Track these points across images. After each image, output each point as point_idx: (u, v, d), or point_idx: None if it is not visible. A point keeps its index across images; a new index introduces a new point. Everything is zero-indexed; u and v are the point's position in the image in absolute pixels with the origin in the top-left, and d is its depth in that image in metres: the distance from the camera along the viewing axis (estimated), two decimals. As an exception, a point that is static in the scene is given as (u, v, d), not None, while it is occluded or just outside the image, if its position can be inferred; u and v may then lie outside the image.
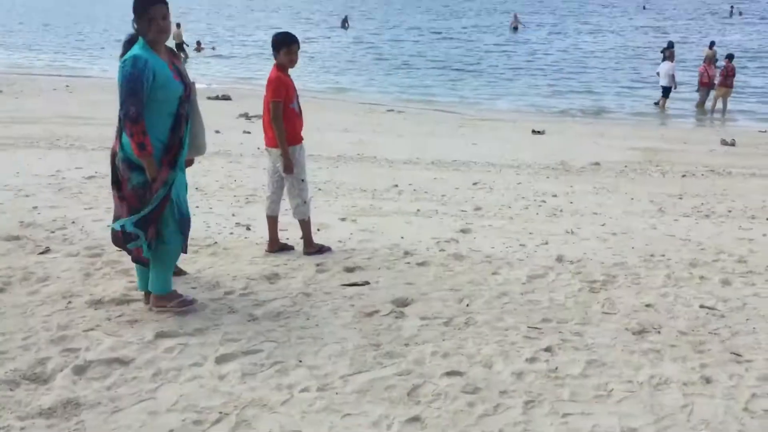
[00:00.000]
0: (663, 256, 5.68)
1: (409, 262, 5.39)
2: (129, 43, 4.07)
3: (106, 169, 8.92)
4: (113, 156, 4.21)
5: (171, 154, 4.08)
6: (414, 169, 9.93)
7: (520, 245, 5.98)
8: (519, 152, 11.32)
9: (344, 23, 44.84)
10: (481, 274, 5.13)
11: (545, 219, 7.05)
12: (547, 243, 6.05)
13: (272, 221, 5.61)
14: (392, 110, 16.83)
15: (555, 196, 8.21)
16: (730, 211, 7.49)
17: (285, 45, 5.26)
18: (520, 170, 9.93)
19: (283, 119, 5.21)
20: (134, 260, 4.28)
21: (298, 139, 5.37)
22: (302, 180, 5.43)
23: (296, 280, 4.95)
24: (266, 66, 25.80)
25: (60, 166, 9.05)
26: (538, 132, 13.46)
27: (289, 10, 66.29)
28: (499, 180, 9.16)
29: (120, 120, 4.01)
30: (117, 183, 4.23)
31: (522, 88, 21.81)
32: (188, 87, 4.17)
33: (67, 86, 18.88)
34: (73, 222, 6.45)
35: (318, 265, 5.30)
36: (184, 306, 4.31)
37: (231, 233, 6.24)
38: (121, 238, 4.21)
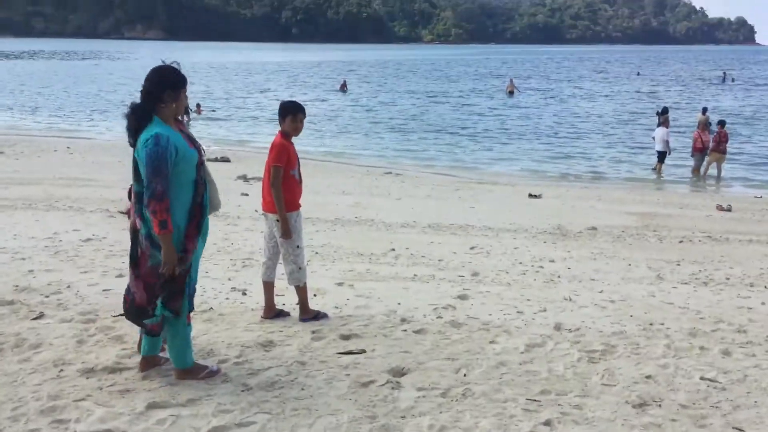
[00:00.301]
0: (662, 324, 5.63)
1: (405, 330, 5.34)
2: (135, 113, 4.10)
3: (104, 232, 9.09)
4: (133, 232, 4.22)
5: (195, 220, 4.14)
6: (411, 232, 9.94)
7: (518, 312, 5.93)
8: (516, 216, 11.36)
9: (343, 87, 45.63)
10: (479, 342, 5.08)
11: (543, 285, 7.02)
12: (545, 310, 6.01)
13: (268, 287, 5.58)
14: (390, 173, 16.95)
15: (552, 261, 8.20)
16: (728, 279, 7.47)
17: (291, 113, 5.35)
18: (518, 234, 9.94)
19: (282, 185, 5.24)
20: (148, 333, 4.27)
21: (296, 206, 5.40)
22: (298, 246, 5.43)
23: (291, 348, 4.89)
24: (263, 129, 26.20)
25: (57, 229, 9.05)
26: (535, 196, 13.54)
27: (285, 74, 67.51)
28: (497, 244, 9.16)
29: (137, 195, 4.07)
30: (135, 260, 4.22)
31: (518, 152, 22.03)
32: (200, 151, 4.25)
33: (68, 148, 19.03)
34: (68, 286, 6.41)
35: (314, 332, 5.25)
36: (211, 376, 4.33)
37: (227, 298, 6.20)
38: (134, 313, 4.19)
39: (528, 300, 6.36)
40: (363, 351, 4.84)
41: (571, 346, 5.01)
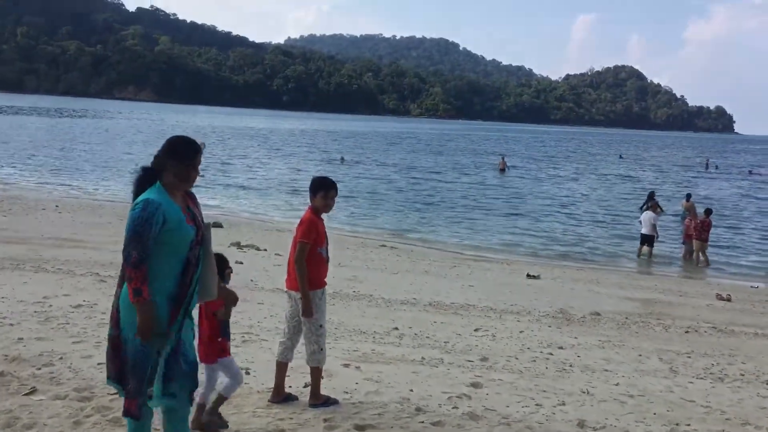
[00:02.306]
0: (689, 426, 5.39)
1: (422, 422, 5.05)
2: (141, 182, 3.94)
3: (94, 298, 8.75)
4: (114, 310, 3.93)
5: (179, 302, 3.86)
6: (412, 310, 9.69)
7: (537, 405, 5.66)
8: (516, 297, 11.17)
9: (342, 159, 45.78)
10: (501, 439, 4.79)
11: (556, 375, 6.77)
12: (563, 404, 5.75)
13: (282, 368, 5.30)
14: (384, 245, 16.77)
15: (561, 348, 7.97)
16: (743, 375, 7.26)
17: (323, 189, 5.20)
18: (521, 317, 9.72)
19: (308, 262, 5.04)
20: (125, 415, 3.91)
21: (321, 284, 5.19)
22: (321, 326, 5.19)
23: (304, 439, 4.58)
24: (253, 200, 26.03)
25: (47, 292, 8.71)
26: (534, 276, 13.37)
27: (266, 140, 68.05)
28: (501, 327, 8.92)
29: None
30: (114, 338, 3.91)
31: (508, 230, 22.00)
32: (200, 230, 4.00)
33: (57, 206, 18.73)
34: (61, 358, 6.08)
35: (326, 420, 4.94)
36: None
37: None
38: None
39: (544, 391, 6.10)
40: (381, 445, 4.54)
41: (599, 448, 4.73)
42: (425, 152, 63.15)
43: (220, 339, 4.68)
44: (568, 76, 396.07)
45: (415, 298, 10.49)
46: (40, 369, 5.70)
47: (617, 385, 6.51)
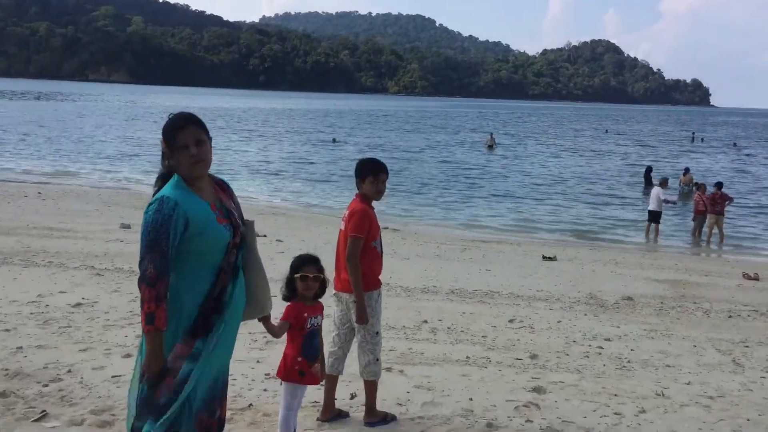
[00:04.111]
0: (793, 433, 4.78)
1: (500, 441, 4.39)
2: (163, 180, 3.17)
3: (94, 295, 7.97)
4: None
5: (201, 320, 3.09)
6: (434, 299, 9.03)
7: (616, 414, 5.03)
8: (539, 281, 10.55)
9: (334, 140, 44.74)
10: (599, 462, 4.15)
11: (618, 374, 6.14)
12: (644, 411, 5.12)
13: (332, 382, 4.60)
14: (386, 228, 16.05)
15: (609, 340, 7.35)
16: (813, 366, 6.69)
17: (371, 173, 4.46)
18: (551, 304, 9.10)
19: (361, 259, 4.32)
20: None
21: (376, 284, 4.49)
22: (377, 333, 4.50)
23: (373, 470, 3.89)
24: (235, 180, 25.12)
25: (41, 290, 7.93)
26: (550, 258, 12.76)
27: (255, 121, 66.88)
28: (536, 317, 8.29)
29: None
30: None
31: (508, 209, 21.41)
32: (238, 230, 3.21)
33: (40, 193, 17.77)
34: (69, 370, 5.34)
35: (390, 443, 4.26)
36: None
37: (264, 390, 5.18)
38: None
39: (615, 395, 5.46)
40: (465, 476, 3.87)
41: (715, 470, 4.11)
42: (407, 131, 62.34)
43: (300, 359, 3.94)
44: (545, 51, 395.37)
45: (435, 285, 9.84)
46: (47, 386, 4.96)
47: (689, 384, 5.90)
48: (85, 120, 55.19)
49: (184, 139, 3.07)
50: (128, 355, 5.76)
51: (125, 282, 8.60)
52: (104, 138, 39.86)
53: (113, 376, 5.25)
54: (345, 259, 4.40)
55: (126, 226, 12.85)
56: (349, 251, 4.36)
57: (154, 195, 3.09)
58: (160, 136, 3.15)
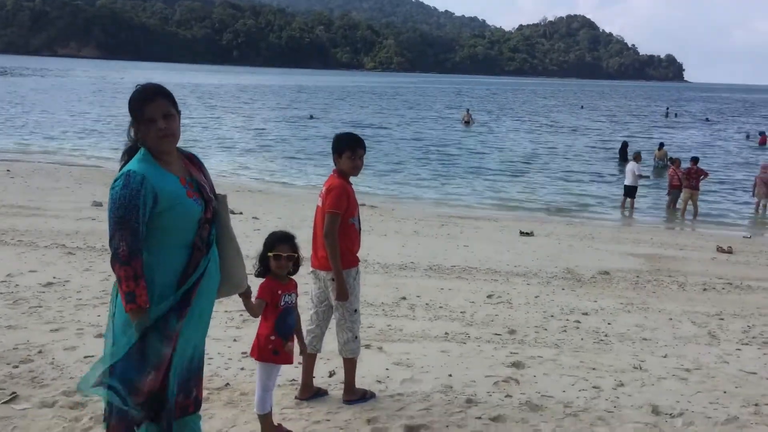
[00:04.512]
0: (768, 405, 4.82)
1: (479, 417, 4.36)
2: (129, 154, 3.05)
3: (65, 274, 7.81)
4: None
5: (184, 301, 2.99)
6: (413, 276, 9.00)
7: (594, 388, 5.03)
8: (517, 257, 10.56)
9: (311, 116, 44.30)
10: (579, 436, 4.14)
11: (596, 347, 6.16)
12: (622, 384, 5.13)
13: (311, 361, 4.54)
14: (363, 204, 15.94)
15: (586, 314, 7.37)
16: (787, 338, 6.76)
17: (349, 148, 4.36)
18: (529, 279, 9.11)
19: (339, 236, 4.24)
20: None
21: (354, 261, 4.42)
22: (355, 310, 4.44)
23: (353, 448, 3.85)
24: (209, 156, 24.79)
25: (10, 269, 7.76)
26: (527, 233, 12.78)
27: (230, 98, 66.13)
28: (514, 292, 8.29)
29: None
30: None
31: (484, 185, 21.41)
32: (210, 205, 3.11)
33: (8, 171, 17.37)
34: (40, 351, 5.22)
35: (370, 421, 4.22)
36: None
37: (241, 369, 5.11)
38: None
39: (593, 369, 5.47)
40: (446, 452, 3.84)
41: (694, 443, 4.12)
42: (383, 107, 62.02)
43: (273, 338, 3.86)
44: (521, 27, 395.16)
45: (413, 262, 9.80)
46: (17, 367, 4.84)
47: (666, 357, 5.93)
48: (53, 96, 54.09)
49: (152, 112, 2.95)
50: (101, 335, 5.63)
51: (97, 260, 8.44)
52: (74, 114, 39.12)
53: (85, 357, 5.14)
54: (322, 236, 4.31)
55: (97, 204, 12.62)
56: (326, 228, 4.27)
57: (120, 170, 2.97)
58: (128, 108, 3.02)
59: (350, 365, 4.50)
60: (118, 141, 26.85)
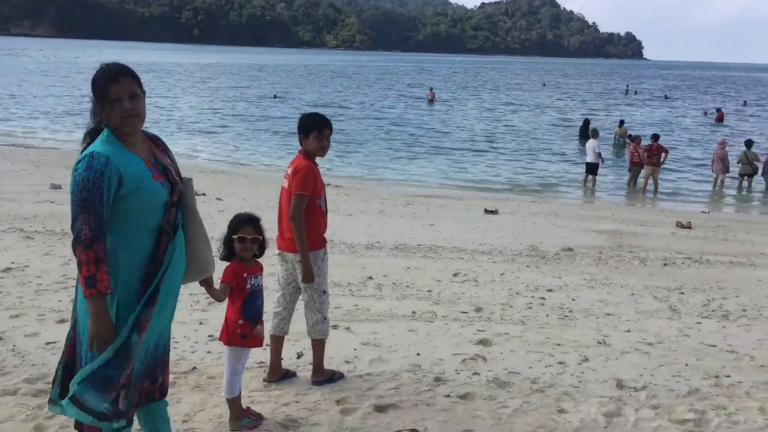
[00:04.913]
0: (728, 377, 4.95)
1: (448, 395, 4.39)
2: (91, 136, 2.96)
3: (24, 259, 7.63)
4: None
5: (150, 285, 2.93)
6: (379, 255, 9.00)
7: (559, 363, 5.11)
8: (482, 235, 10.63)
9: (275, 96, 43.75)
10: (545, 412, 4.19)
11: (560, 323, 6.24)
12: (587, 359, 5.22)
13: (278, 343, 4.52)
14: (329, 184, 15.84)
15: (550, 290, 7.46)
16: (744, 311, 6.94)
17: (316, 129, 4.31)
18: (494, 257, 9.18)
19: (306, 218, 4.21)
20: None
21: (321, 243, 4.38)
22: (324, 291, 4.42)
23: (323, 429, 3.85)
24: (170, 137, 24.40)
25: (-34, 255, 7.56)
26: (492, 211, 12.87)
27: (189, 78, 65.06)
28: (479, 270, 8.35)
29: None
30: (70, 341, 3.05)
31: (447, 164, 21.47)
32: (176, 188, 3.04)
33: (-38, 153, 16.92)
34: (0, 338, 5.09)
35: (339, 402, 4.22)
36: None
37: (208, 352, 5.07)
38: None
39: (559, 345, 5.55)
40: (415, 431, 3.86)
41: (656, 416, 4.20)
42: (346, 86, 61.66)
43: (241, 322, 3.81)
44: (483, 5, 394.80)
45: (379, 241, 9.80)
46: (-24, 356, 4.73)
47: (629, 331, 6.04)
48: (4, 75, 52.60)
49: (117, 92, 2.86)
50: (63, 320, 5.54)
51: (57, 244, 8.27)
52: (28, 95, 38.12)
53: (47, 343, 5.05)
54: (289, 217, 4.27)
55: (56, 187, 12.35)
56: (293, 209, 4.23)
57: (82, 152, 2.89)
58: (90, 88, 2.93)
59: (319, 346, 4.49)
60: (75, 123, 26.36)
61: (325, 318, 4.45)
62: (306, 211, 4.26)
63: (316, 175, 4.33)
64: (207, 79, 61.89)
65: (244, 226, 3.80)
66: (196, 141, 24.40)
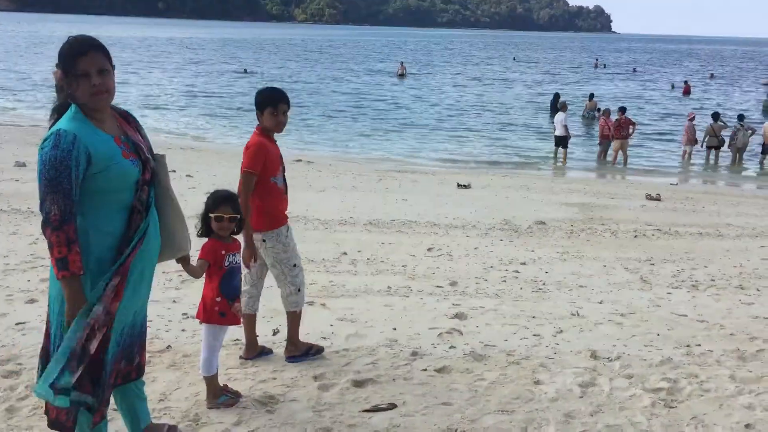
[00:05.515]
0: (699, 345, 5.04)
1: (425, 369, 4.41)
2: (59, 113, 2.87)
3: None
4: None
5: (124, 267, 2.85)
6: (353, 231, 8.98)
7: (535, 336, 5.15)
8: (455, 209, 10.65)
9: (245, 71, 43.10)
10: (522, 384, 4.23)
11: (534, 296, 6.29)
12: (561, 331, 5.27)
13: (251, 320, 4.47)
14: (300, 160, 15.76)
15: (524, 264, 7.52)
16: (713, 281, 7.06)
17: (271, 104, 4.21)
18: (468, 231, 9.22)
19: (262, 196, 4.15)
20: (52, 427, 2.91)
21: (281, 221, 4.29)
22: (294, 265, 4.36)
23: (301, 405, 3.84)
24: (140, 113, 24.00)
25: (-70, 235, 7.38)
26: (464, 186, 12.89)
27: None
28: (453, 244, 8.38)
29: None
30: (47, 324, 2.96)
31: (420, 138, 21.45)
32: (148, 165, 2.97)
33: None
34: (-33, 319, 4.99)
35: (316, 378, 4.21)
36: None
37: (183, 330, 5.02)
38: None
39: (533, 317, 5.60)
40: (393, 406, 3.87)
41: (630, 385, 4.26)
42: (315, 60, 61.09)
43: (219, 299, 3.75)
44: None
45: (352, 217, 9.77)
46: (-58, 337, 4.63)
47: (601, 303, 6.11)
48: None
49: (85, 66, 2.76)
50: (32, 300, 5.45)
51: (23, 223, 8.11)
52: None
53: (17, 323, 4.96)
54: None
55: (21, 164, 12.08)
56: (239, 187, 4.14)
57: (49, 129, 2.80)
58: (56, 63, 2.84)
59: (293, 318, 4.46)
60: (39, 101, 25.75)
61: (299, 290, 4.41)
62: (260, 189, 4.17)
63: (269, 151, 4.21)
64: (173, 53, 60.83)
65: (222, 204, 3.73)
66: (164, 117, 24.03)
